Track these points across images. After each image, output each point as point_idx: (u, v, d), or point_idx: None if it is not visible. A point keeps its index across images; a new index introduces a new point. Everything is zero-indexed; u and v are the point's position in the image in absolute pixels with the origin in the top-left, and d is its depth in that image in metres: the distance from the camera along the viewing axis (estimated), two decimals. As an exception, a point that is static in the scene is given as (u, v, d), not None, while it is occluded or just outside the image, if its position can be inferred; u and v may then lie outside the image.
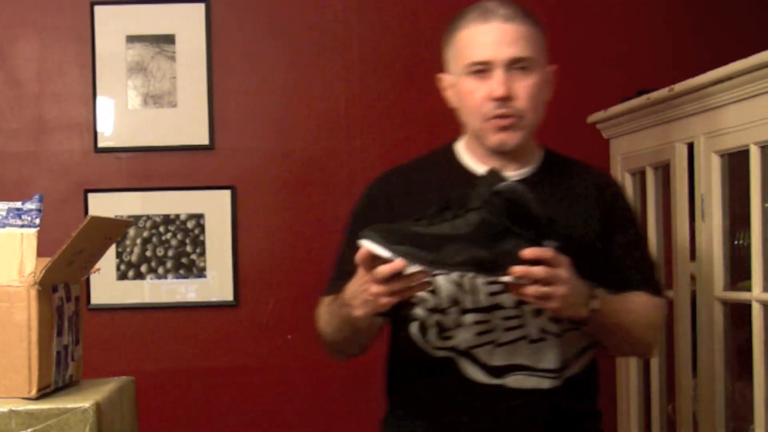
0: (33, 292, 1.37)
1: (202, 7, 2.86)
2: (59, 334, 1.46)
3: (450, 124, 2.95)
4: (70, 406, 1.32)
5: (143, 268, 2.84)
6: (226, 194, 2.85)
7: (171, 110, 2.86)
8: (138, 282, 2.84)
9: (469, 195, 1.44)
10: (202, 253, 2.85)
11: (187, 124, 2.86)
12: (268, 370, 2.86)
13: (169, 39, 2.86)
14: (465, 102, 1.67)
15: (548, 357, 1.62)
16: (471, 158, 1.72)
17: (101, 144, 2.85)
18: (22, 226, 1.40)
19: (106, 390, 1.44)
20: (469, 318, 1.61)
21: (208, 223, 2.85)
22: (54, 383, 1.44)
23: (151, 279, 2.84)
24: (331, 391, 2.86)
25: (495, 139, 1.63)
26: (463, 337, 1.62)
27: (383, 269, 1.39)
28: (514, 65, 1.62)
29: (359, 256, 1.42)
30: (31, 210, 1.41)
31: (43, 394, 1.40)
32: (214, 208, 2.85)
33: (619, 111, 2.43)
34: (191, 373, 2.85)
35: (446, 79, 1.75)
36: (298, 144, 2.88)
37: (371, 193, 1.79)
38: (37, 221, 1.41)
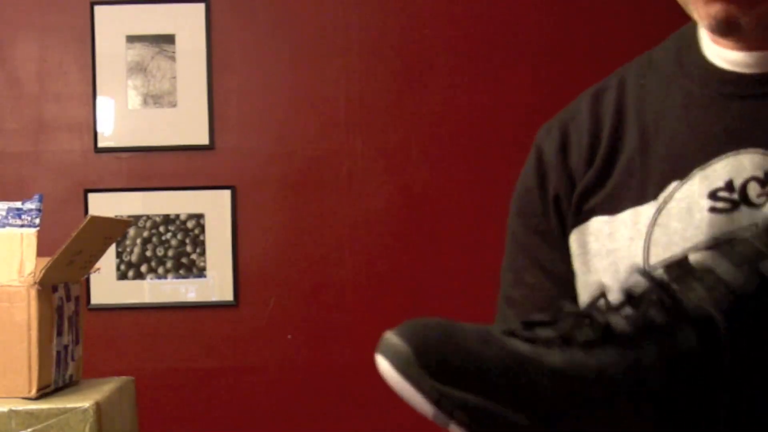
0: (33, 292, 1.37)
1: (202, 7, 2.86)
2: (59, 334, 1.45)
3: (450, 124, 2.95)
4: (70, 406, 1.32)
5: (143, 268, 2.84)
6: (226, 194, 2.85)
7: (171, 110, 2.86)
8: (138, 282, 2.84)
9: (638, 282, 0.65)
10: (202, 253, 2.85)
11: (187, 124, 2.86)
12: (268, 370, 2.86)
13: (169, 39, 2.86)
14: None
15: None
16: (712, 42, 0.92)
17: (101, 144, 2.85)
18: (22, 226, 1.40)
19: (106, 390, 1.44)
20: None
21: (208, 223, 2.85)
22: (54, 383, 1.44)
23: (151, 279, 2.84)
24: (330, 391, 2.86)
25: (706, 11, 0.84)
26: None
27: None
28: None
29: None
30: (31, 210, 1.41)
31: (43, 393, 1.40)
32: (214, 208, 2.85)
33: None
34: (191, 373, 2.85)
35: None
36: (298, 144, 2.88)
37: (537, 147, 0.97)
38: (37, 221, 1.41)
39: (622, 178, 0.87)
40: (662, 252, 0.79)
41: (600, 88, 0.98)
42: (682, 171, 0.83)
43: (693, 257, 0.67)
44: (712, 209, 0.79)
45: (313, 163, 2.88)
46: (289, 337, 2.86)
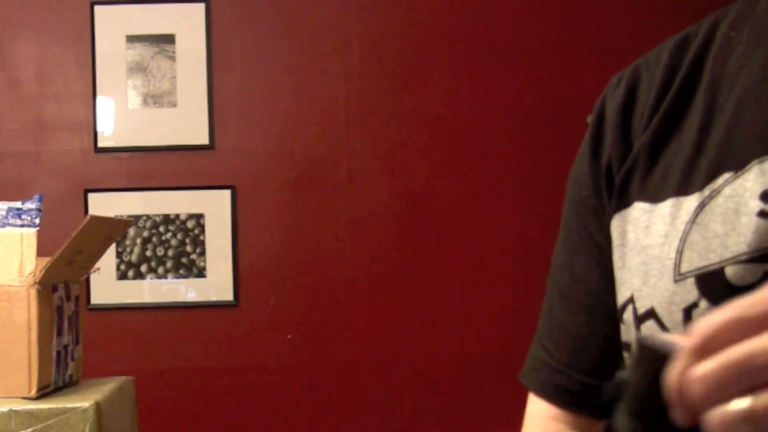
0: (33, 292, 1.37)
1: (202, 7, 2.86)
2: (59, 333, 1.45)
3: (450, 124, 2.94)
4: (70, 405, 1.32)
5: (143, 268, 2.84)
6: (226, 194, 2.85)
7: (171, 110, 2.86)
8: (138, 282, 2.84)
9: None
10: (202, 253, 2.85)
11: (187, 124, 2.86)
12: (268, 370, 2.86)
13: (169, 39, 2.86)
14: None
15: None
16: None
17: (101, 144, 2.85)
18: (22, 225, 1.40)
19: (106, 390, 1.44)
20: None
21: (208, 223, 2.85)
22: (54, 383, 1.44)
23: (151, 279, 2.84)
24: (330, 391, 2.86)
25: None
26: None
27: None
28: None
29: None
30: (31, 210, 1.41)
31: (43, 393, 1.40)
32: (214, 208, 2.85)
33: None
34: (191, 373, 2.85)
35: None
36: (298, 144, 2.88)
37: (600, 103, 0.83)
38: (37, 221, 1.41)
39: (674, 156, 0.69)
40: (697, 259, 0.64)
41: (689, 34, 0.75)
42: (737, 160, 0.64)
43: (731, 271, 0.60)
44: (762, 213, 0.61)
45: (313, 163, 2.88)
46: (289, 337, 2.86)
